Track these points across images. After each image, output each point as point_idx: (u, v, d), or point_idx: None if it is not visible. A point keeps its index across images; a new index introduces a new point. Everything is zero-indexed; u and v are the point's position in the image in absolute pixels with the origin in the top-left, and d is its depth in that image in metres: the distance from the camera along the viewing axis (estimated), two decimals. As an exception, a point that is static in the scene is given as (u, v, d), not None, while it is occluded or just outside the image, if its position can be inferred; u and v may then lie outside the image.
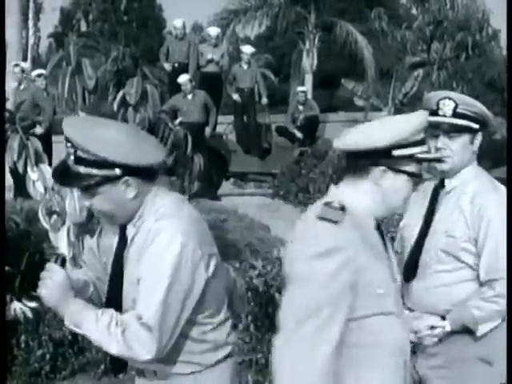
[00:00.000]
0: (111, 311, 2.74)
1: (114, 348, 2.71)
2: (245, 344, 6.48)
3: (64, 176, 2.79)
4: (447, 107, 3.51)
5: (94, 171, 2.70)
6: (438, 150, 3.49)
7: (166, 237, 2.71)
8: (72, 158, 2.70)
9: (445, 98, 3.54)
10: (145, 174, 2.78)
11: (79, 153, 2.68)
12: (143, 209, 2.81)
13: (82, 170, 2.70)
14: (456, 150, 3.51)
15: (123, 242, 2.86)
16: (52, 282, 2.74)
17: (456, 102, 3.52)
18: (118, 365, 2.92)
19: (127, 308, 2.79)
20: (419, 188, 3.45)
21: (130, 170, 2.72)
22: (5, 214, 2.25)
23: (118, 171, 2.71)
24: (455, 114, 3.51)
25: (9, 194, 10.16)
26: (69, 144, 2.70)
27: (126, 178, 2.73)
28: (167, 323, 2.69)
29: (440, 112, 3.51)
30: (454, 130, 3.51)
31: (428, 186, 3.67)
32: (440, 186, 3.63)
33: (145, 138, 2.86)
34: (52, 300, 2.76)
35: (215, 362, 2.88)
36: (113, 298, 2.86)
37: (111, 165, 2.70)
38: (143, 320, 2.67)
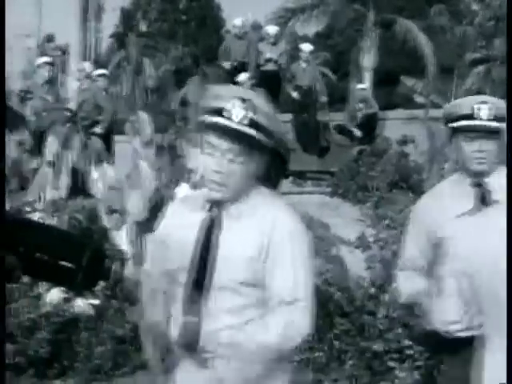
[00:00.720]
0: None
1: (273, 341, 2.85)
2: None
3: (221, 131, 2.89)
4: (483, 111, 3.61)
5: (258, 135, 2.86)
6: (474, 152, 3.61)
7: (291, 222, 2.94)
8: (243, 118, 2.83)
9: (481, 102, 3.66)
10: (277, 165, 3.02)
11: (256, 116, 2.84)
12: (251, 193, 2.95)
13: (252, 131, 2.85)
14: (492, 151, 3.62)
15: (218, 222, 2.93)
16: None
17: (491, 106, 3.62)
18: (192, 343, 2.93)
19: (222, 285, 2.87)
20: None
21: (275, 153, 2.97)
22: (5, 213, 2.30)
23: (271, 142, 2.90)
24: (490, 118, 3.60)
25: (64, 192, 10.26)
26: (244, 104, 2.84)
27: (264, 154, 2.92)
28: (311, 298, 2.96)
29: (475, 116, 3.61)
30: (489, 133, 3.61)
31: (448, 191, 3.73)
32: (478, 186, 3.67)
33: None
34: None
35: None
36: (201, 277, 2.91)
37: (272, 137, 2.89)
38: (295, 298, 2.89)
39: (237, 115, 2.84)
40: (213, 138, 2.89)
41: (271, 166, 3.02)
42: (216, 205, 2.95)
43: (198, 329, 2.88)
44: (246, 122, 2.84)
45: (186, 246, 2.94)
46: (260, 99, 2.95)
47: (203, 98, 2.98)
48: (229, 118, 2.85)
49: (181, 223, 3.00)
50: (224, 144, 2.87)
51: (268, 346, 2.85)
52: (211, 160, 2.89)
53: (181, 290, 2.95)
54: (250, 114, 2.84)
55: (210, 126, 2.89)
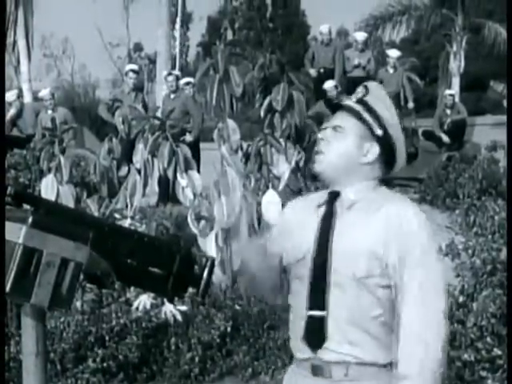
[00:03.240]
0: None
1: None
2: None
3: (334, 105, 3.05)
4: None
5: (366, 115, 2.91)
6: None
7: (419, 221, 2.90)
8: (358, 96, 2.95)
9: None
10: (387, 159, 2.96)
11: (368, 97, 2.94)
12: (367, 186, 2.92)
13: (358, 107, 2.93)
14: None
15: (329, 213, 2.90)
16: None
17: None
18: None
19: (341, 280, 2.82)
20: None
21: (384, 144, 2.92)
22: (5, 216, 2.35)
23: (380, 132, 2.91)
24: None
25: (153, 200, 10.35)
26: (363, 88, 2.96)
27: (376, 144, 2.91)
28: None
29: None
30: None
31: None
32: None
33: None
34: None
35: None
36: (320, 271, 2.86)
37: (380, 124, 2.91)
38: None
39: (354, 95, 2.97)
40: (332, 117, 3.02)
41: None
42: (331, 198, 2.93)
43: (324, 323, 2.83)
44: (355, 99, 2.94)
45: (304, 239, 2.91)
46: (381, 91, 3.04)
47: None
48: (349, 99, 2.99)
49: (301, 218, 2.98)
50: (334, 116, 2.98)
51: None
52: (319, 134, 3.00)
53: (298, 283, 2.92)
54: (361, 94, 2.94)
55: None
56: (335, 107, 3.02)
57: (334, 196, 2.92)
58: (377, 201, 2.88)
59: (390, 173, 3.01)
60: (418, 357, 2.71)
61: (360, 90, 2.96)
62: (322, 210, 2.93)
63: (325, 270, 2.84)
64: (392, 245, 2.79)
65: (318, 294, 2.84)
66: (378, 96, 2.96)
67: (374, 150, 2.90)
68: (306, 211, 2.97)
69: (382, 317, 2.83)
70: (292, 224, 2.99)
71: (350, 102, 2.94)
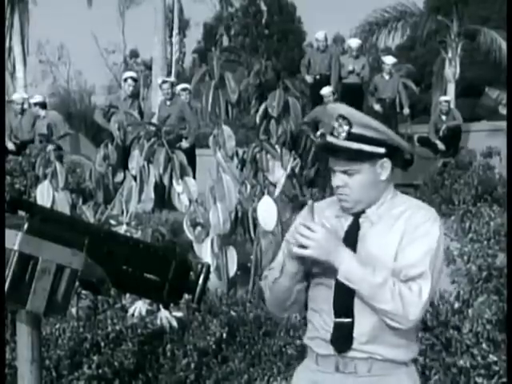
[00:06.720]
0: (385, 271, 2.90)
1: (387, 304, 2.84)
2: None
3: (331, 150, 3.02)
4: None
5: (364, 147, 2.93)
6: None
7: (430, 223, 3.09)
8: (344, 134, 2.95)
9: None
10: (396, 161, 3.04)
11: (355, 129, 2.95)
12: (386, 196, 3.04)
13: (355, 145, 2.94)
14: None
15: (355, 227, 3.00)
16: (318, 236, 2.84)
17: None
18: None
19: None
20: None
21: (389, 152, 2.98)
22: (5, 219, 2.34)
23: (382, 150, 2.95)
24: None
25: (148, 206, 10.34)
26: (343, 121, 2.96)
27: (386, 159, 2.98)
28: (433, 289, 2.99)
29: None
30: None
31: None
32: None
33: None
34: (324, 254, 2.86)
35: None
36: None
37: (379, 143, 2.95)
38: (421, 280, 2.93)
39: (338, 132, 2.97)
40: (329, 156, 3.05)
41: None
42: (356, 214, 3.03)
43: (351, 330, 2.92)
44: (345, 136, 2.96)
45: None
46: (355, 112, 3.06)
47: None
48: (335, 136, 2.98)
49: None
50: (337, 160, 3.00)
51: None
52: (332, 175, 3.02)
53: (324, 291, 2.98)
54: (347, 128, 2.96)
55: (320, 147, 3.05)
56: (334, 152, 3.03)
57: (359, 212, 3.03)
58: (396, 211, 3.02)
59: (407, 165, 3.13)
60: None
61: (342, 123, 2.97)
62: (342, 221, 3.04)
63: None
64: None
65: (345, 302, 2.93)
66: (356, 119, 2.98)
67: (387, 165, 3.00)
68: (329, 222, 3.03)
69: None
70: None
71: (344, 142, 2.95)
